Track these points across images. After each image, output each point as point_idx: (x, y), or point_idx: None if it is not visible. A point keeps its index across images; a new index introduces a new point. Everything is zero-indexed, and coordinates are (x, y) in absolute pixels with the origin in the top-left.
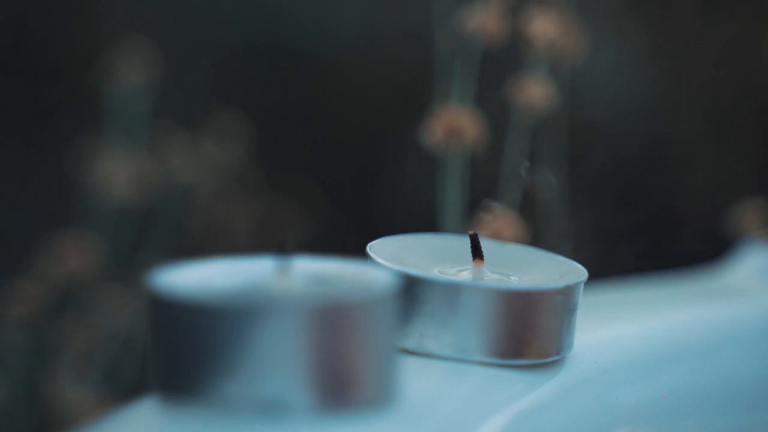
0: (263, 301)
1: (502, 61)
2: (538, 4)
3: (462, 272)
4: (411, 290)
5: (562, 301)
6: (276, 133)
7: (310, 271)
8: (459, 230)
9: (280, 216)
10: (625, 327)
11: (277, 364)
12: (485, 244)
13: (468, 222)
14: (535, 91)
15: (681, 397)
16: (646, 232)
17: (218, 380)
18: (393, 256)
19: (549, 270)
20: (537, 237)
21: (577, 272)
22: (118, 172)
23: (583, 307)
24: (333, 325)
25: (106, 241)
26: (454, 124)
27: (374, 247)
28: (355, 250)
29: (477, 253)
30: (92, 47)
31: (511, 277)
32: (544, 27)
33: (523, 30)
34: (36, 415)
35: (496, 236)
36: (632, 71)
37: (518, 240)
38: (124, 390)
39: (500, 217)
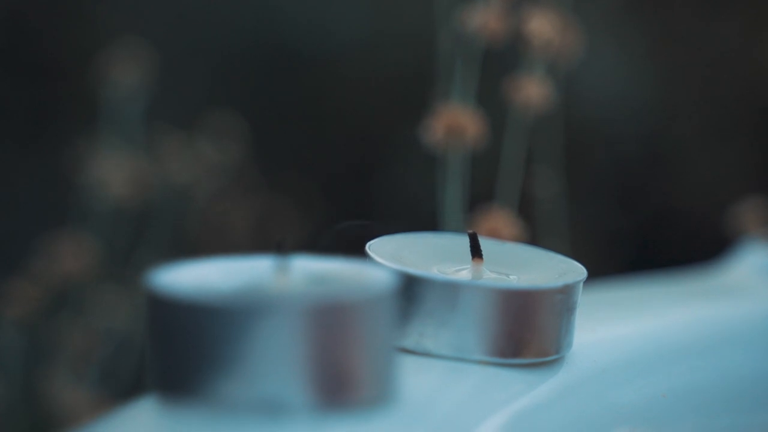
0: (262, 300)
1: (502, 60)
2: (536, 4)
3: (461, 271)
4: (410, 289)
5: (561, 301)
6: (275, 133)
7: (309, 271)
8: (459, 229)
9: (278, 215)
10: (624, 326)
11: (276, 363)
12: (484, 243)
13: (468, 221)
14: (533, 91)
15: (680, 397)
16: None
17: (217, 380)
18: (392, 255)
19: (548, 269)
20: (536, 236)
21: (577, 271)
22: (115, 172)
23: (582, 306)
24: (332, 325)
25: (103, 241)
26: (454, 123)
27: (373, 247)
28: (355, 249)
29: (476, 252)
30: (90, 48)
31: (510, 277)
32: (541, 26)
33: (521, 29)
34: (34, 416)
35: (495, 235)
36: (631, 71)
37: (517, 239)
38: (122, 390)
39: (499, 216)
